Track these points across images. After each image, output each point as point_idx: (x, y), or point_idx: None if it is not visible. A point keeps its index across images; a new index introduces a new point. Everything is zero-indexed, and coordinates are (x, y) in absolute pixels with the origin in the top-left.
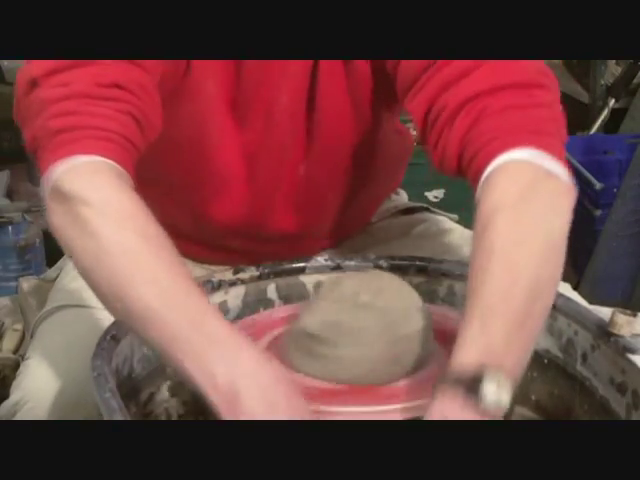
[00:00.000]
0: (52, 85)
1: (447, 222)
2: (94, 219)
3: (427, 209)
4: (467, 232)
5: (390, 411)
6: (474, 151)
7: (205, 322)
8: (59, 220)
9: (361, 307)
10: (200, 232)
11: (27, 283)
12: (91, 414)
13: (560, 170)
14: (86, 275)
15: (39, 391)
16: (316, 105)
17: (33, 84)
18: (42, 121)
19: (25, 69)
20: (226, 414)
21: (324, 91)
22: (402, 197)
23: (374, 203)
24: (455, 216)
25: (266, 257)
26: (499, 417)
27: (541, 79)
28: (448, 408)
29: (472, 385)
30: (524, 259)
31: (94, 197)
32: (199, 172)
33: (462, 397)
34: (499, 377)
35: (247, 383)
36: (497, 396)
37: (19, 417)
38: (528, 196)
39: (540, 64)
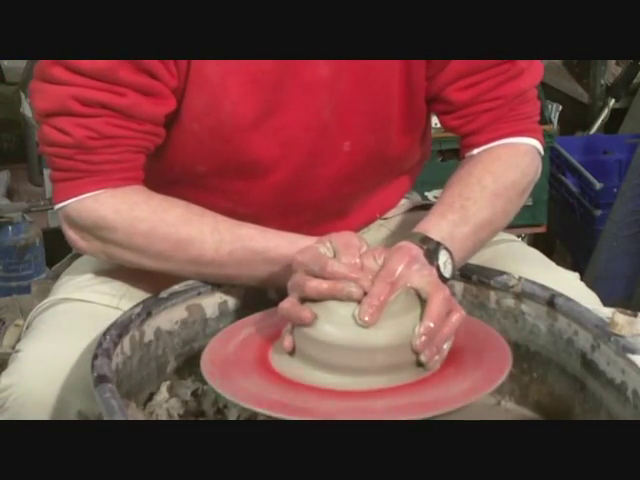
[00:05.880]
0: (51, 126)
1: None
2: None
3: None
4: None
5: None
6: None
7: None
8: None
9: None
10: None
11: (37, 286)
12: (81, 410)
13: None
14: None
15: (29, 378)
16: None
17: (39, 116)
18: (47, 154)
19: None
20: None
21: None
22: (415, 196)
23: (396, 192)
24: None
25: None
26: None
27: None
28: (415, 249)
29: (432, 249)
30: (487, 196)
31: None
32: (230, 159)
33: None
34: (449, 256)
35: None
36: (447, 265)
37: (7, 405)
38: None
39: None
